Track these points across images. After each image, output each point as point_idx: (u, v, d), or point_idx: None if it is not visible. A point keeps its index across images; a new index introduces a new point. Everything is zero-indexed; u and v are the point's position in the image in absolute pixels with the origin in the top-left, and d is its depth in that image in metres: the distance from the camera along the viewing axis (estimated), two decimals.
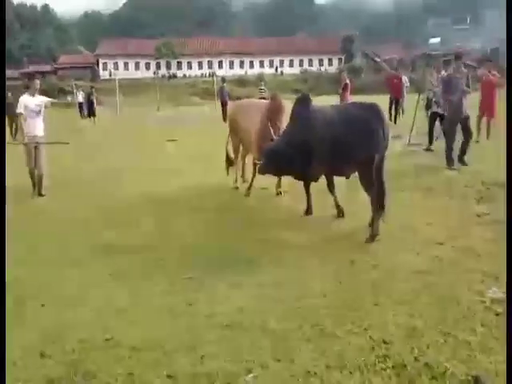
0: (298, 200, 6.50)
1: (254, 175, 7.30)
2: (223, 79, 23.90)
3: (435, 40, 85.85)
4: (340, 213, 6.05)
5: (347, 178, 5.73)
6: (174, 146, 13.77)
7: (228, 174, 8.07)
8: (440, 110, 11.00)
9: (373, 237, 5.14)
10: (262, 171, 5.94)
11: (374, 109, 5.39)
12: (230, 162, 8.15)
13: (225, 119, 20.59)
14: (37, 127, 7.82)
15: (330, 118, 5.46)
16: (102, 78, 50.26)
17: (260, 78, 44.95)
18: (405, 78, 18.02)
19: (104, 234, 5.69)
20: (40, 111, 7.85)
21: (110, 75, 50.64)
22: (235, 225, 6.00)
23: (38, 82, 7.99)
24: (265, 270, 4.50)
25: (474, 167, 8.43)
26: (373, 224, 5.22)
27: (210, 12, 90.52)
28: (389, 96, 16.71)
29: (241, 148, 7.88)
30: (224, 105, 21.07)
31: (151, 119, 24.28)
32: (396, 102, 16.28)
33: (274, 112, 6.55)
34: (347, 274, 4.36)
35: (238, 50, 54.83)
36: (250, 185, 7.43)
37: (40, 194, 7.80)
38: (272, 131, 6.13)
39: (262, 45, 55.77)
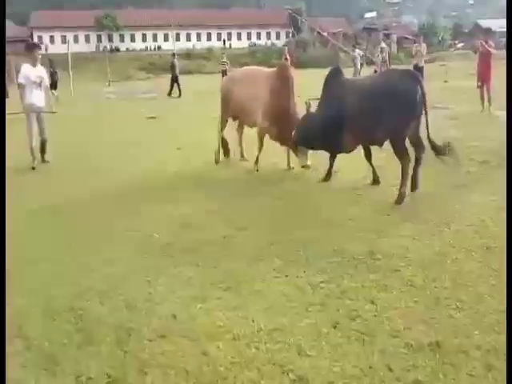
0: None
1: (260, 149, 6.80)
2: (173, 54, 23.66)
3: (371, 14, 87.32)
4: (376, 181, 5.95)
5: (380, 146, 5.59)
6: (157, 123, 12.55)
7: (227, 156, 7.55)
8: None
9: (400, 199, 5.15)
10: (298, 144, 6.19)
11: (409, 75, 5.37)
12: (226, 149, 7.54)
13: (170, 93, 20.77)
14: (37, 97, 7.50)
15: (363, 88, 5.56)
16: None
17: (216, 51, 43.49)
18: (358, 52, 17.80)
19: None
20: (41, 83, 7.53)
21: (46, 50, 46.82)
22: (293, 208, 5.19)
23: (38, 52, 7.67)
24: (388, 266, 3.75)
25: None
26: (400, 188, 5.19)
27: None
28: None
29: (231, 121, 7.39)
30: (174, 79, 21.10)
31: (110, 95, 22.50)
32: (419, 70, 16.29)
33: (284, 81, 6.27)
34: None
35: (184, 22, 52.27)
36: (257, 159, 6.82)
37: (43, 160, 7.72)
38: (288, 103, 6.23)
39: (209, 17, 53.56)
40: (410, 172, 5.31)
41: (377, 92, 5.28)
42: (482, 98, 11.62)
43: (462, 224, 4.56)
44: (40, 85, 7.47)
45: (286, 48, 16.98)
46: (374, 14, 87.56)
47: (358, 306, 3.17)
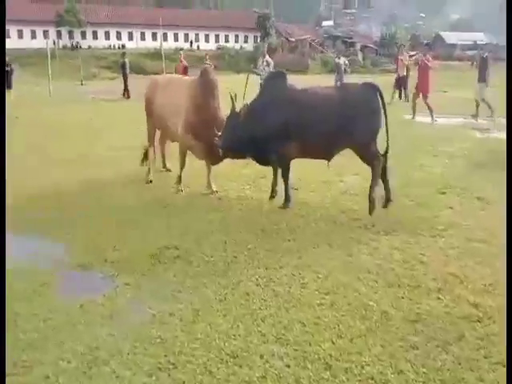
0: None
1: (182, 165, 6.00)
2: (123, 53, 22.84)
3: (328, 23, 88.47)
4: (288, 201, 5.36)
5: (329, 160, 5.26)
6: None
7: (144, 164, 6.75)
8: None
9: (372, 206, 4.97)
10: (224, 148, 5.32)
11: (368, 89, 5.07)
12: (146, 155, 6.76)
13: (125, 95, 19.84)
14: None
15: (312, 99, 5.13)
16: None
17: (184, 52, 41.88)
18: (343, 60, 17.39)
19: None
20: None
21: None
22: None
23: None
24: None
25: None
26: (370, 194, 5.00)
27: None
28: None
29: (157, 133, 6.66)
30: (125, 80, 20.38)
31: (93, 96, 20.73)
32: (402, 79, 16.55)
33: (207, 89, 5.51)
34: None
35: (151, 21, 50.15)
36: (179, 178, 6.05)
37: None
38: (209, 111, 5.45)
39: (176, 17, 51.74)
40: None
41: (334, 103, 5.00)
42: (414, 108, 12.38)
43: None
44: None
45: (181, 52, 16.94)
46: (331, 22, 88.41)
47: None
